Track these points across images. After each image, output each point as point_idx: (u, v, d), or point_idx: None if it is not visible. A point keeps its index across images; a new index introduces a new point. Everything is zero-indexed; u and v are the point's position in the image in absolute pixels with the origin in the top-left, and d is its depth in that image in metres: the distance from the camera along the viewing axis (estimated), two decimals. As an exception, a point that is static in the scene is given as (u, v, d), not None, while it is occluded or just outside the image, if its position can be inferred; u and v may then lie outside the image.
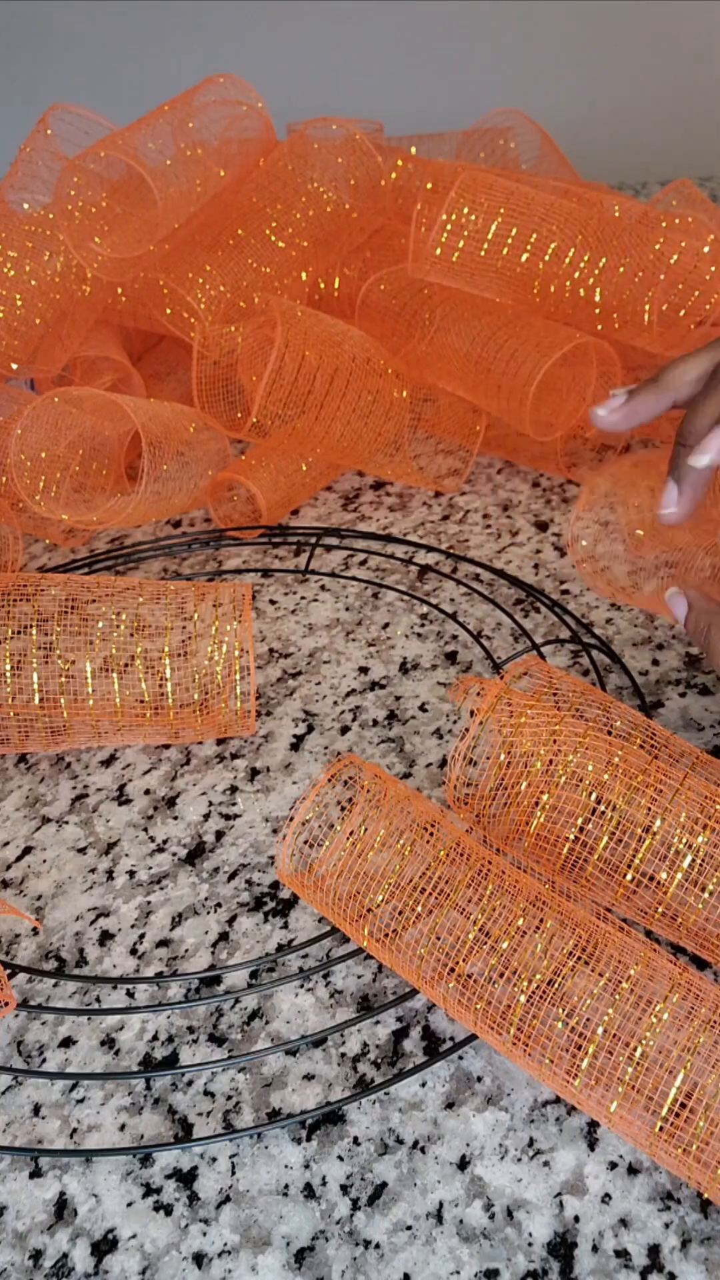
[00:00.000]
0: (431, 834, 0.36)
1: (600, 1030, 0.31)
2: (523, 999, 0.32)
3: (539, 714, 0.39)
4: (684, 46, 1.45)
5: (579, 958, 0.33)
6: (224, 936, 0.42)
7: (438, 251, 0.63)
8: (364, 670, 0.54)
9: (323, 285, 0.78)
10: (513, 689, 0.40)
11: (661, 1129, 0.30)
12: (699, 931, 0.36)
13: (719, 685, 0.51)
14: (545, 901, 0.34)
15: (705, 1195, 0.31)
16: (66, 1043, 0.38)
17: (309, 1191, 0.33)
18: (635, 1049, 0.31)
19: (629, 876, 0.36)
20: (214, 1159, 0.35)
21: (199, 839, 0.46)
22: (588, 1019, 0.31)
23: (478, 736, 0.39)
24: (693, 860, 0.35)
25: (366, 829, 0.36)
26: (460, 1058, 0.36)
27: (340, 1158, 0.34)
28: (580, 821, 0.37)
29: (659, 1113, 0.30)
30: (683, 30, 1.44)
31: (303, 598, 0.60)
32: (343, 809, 0.38)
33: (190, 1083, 0.37)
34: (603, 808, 0.37)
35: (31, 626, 0.47)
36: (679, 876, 0.35)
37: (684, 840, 0.35)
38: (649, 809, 0.36)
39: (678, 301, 0.65)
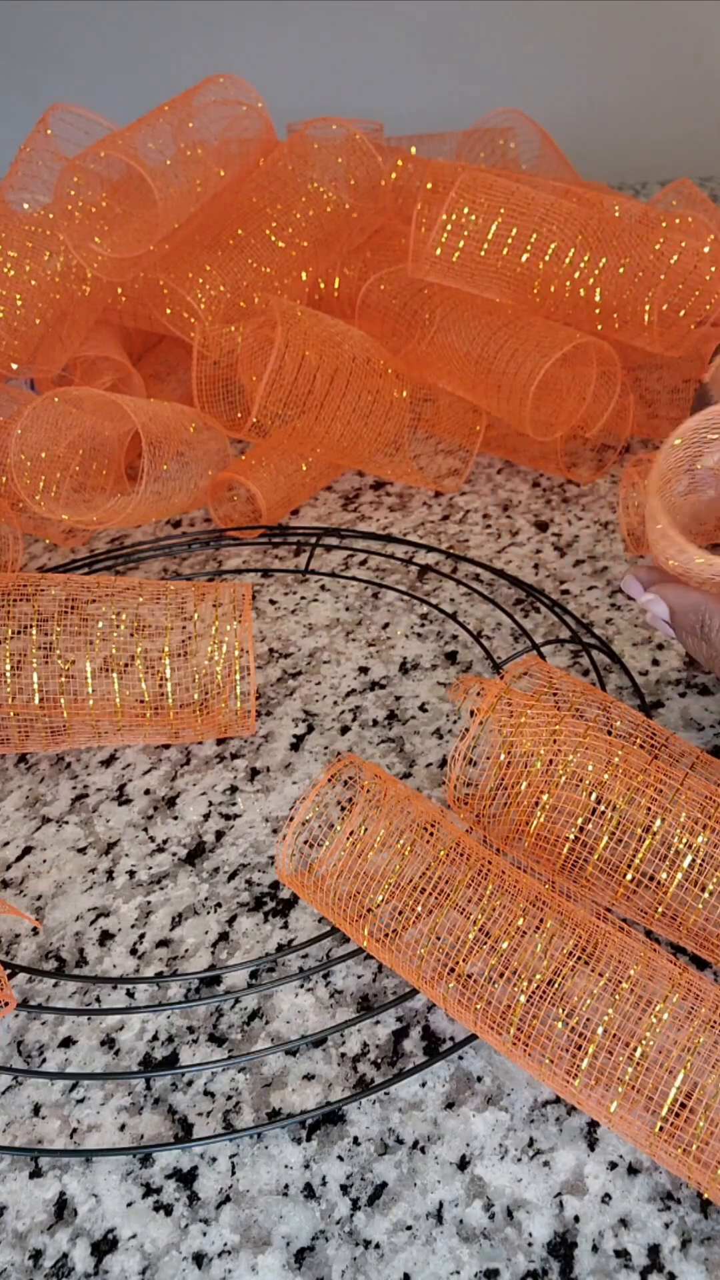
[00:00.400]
0: (431, 834, 0.36)
1: (600, 1030, 0.31)
2: (523, 999, 0.32)
3: (539, 714, 0.39)
4: (684, 46, 1.45)
5: (579, 958, 0.33)
6: (224, 936, 0.42)
7: (438, 251, 0.63)
8: (364, 670, 0.54)
9: (323, 285, 0.78)
10: (513, 689, 0.40)
11: (661, 1129, 0.30)
12: (699, 931, 0.36)
13: (719, 685, 0.51)
14: (545, 901, 0.34)
15: (705, 1195, 0.31)
16: (66, 1043, 0.38)
17: (309, 1191, 0.33)
18: (635, 1049, 0.31)
19: (629, 876, 0.36)
20: (214, 1159, 0.35)
21: (199, 839, 0.46)
22: (588, 1019, 0.31)
23: (478, 736, 0.39)
24: (693, 860, 0.35)
25: (366, 829, 0.36)
26: (460, 1058, 0.36)
27: (340, 1158, 0.34)
28: (580, 821, 0.37)
29: (659, 1113, 0.30)
30: (683, 30, 1.43)
31: (303, 598, 0.60)
32: (343, 809, 0.38)
33: (190, 1083, 0.37)
34: (603, 808, 0.37)
35: (31, 626, 0.47)
36: (679, 876, 0.35)
37: (684, 840, 0.35)
38: (649, 809, 0.36)
39: (678, 301, 0.65)
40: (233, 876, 0.44)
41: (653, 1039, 0.31)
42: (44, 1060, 0.38)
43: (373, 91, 1.49)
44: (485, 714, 0.39)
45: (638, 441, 0.71)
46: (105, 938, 0.42)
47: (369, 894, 0.36)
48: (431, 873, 0.35)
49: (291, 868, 0.37)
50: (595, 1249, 0.31)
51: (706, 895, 0.35)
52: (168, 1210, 0.33)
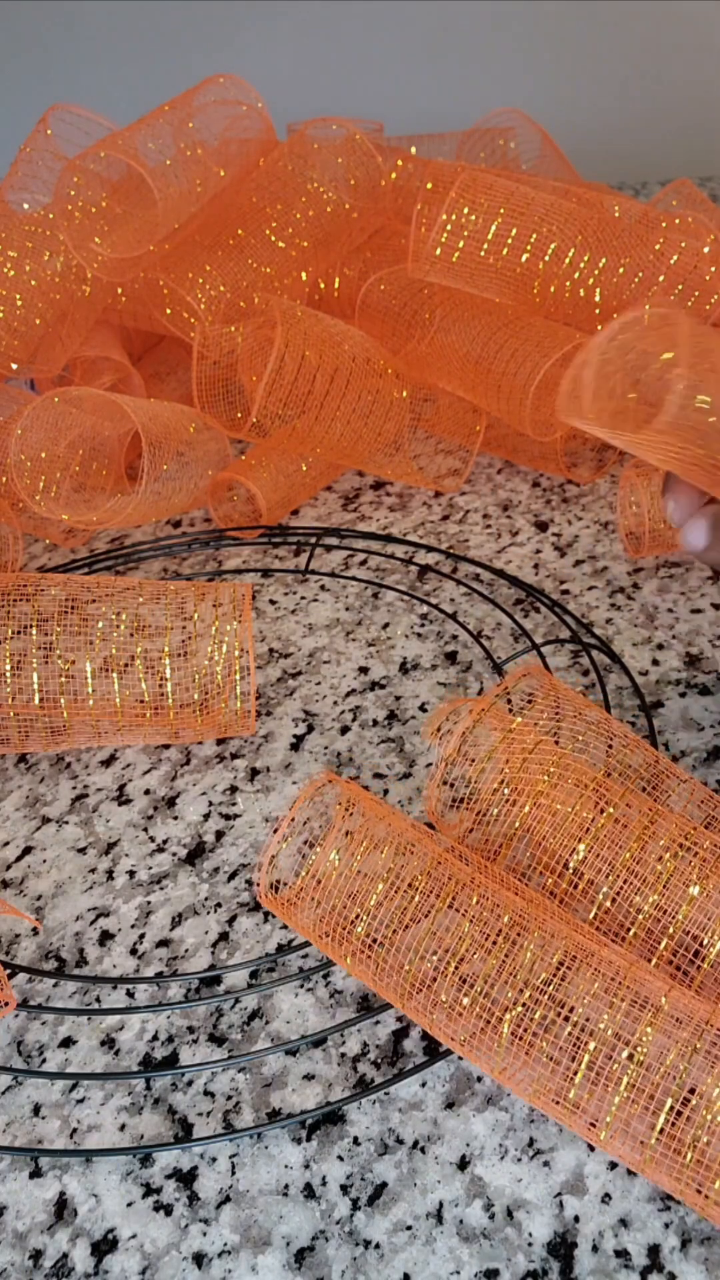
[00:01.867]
0: (410, 854, 0.36)
1: (585, 1062, 0.31)
2: (506, 1030, 0.32)
3: (522, 736, 0.38)
4: (684, 46, 1.45)
5: (556, 985, 0.32)
6: (224, 936, 0.42)
7: (438, 251, 0.63)
8: (364, 670, 0.54)
9: (323, 285, 0.78)
10: (499, 709, 0.40)
11: (651, 1157, 0.30)
12: (672, 957, 0.35)
13: (719, 685, 0.51)
14: (525, 926, 0.34)
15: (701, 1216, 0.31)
16: (66, 1043, 0.38)
17: (309, 1191, 0.33)
18: (620, 1080, 0.30)
19: (607, 902, 0.36)
20: (214, 1159, 0.35)
21: (199, 839, 0.46)
22: (573, 1054, 0.31)
23: (453, 765, 0.39)
24: (663, 899, 0.35)
25: (339, 856, 0.36)
26: (460, 1058, 0.36)
27: (340, 1158, 0.34)
28: (564, 849, 0.37)
29: (648, 1142, 0.30)
30: (683, 30, 1.43)
31: (303, 598, 0.60)
32: (327, 821, 0.37)
33: (190, 1083, 0.37)
34: (583, 851, 0.36)
35: (31, 626, 0.47)
36: (653, 899, 0.35)
37: (661, 866, 0.35)
38: (634, 845, 0.36)
39: (678, 301, 0.65)
40: (233, 876, 0.44)
41: (636, 1070, 0.30)
42: (44, 1060, 0.38)
43: (373, 91, 1.50)
44: (451, 755, 0.38)
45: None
46: (105, 938, 0.42)
47: (348, 917, 0.35)
48: (407, 900, 0.35)
49: (270, 883, 0.37)
50: (595, 1249, 0.31)
51: (680, 918, 0.35)
52: (168, 1210, 0.33)
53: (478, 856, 0.38)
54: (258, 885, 0.38)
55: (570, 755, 0.38)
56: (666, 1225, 0.32)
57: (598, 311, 0.65)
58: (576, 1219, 0.32)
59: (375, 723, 0.51)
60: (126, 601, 0.48)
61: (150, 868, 0.45)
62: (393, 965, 0.34)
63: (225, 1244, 0.32)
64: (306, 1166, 0.34)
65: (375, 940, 0.35)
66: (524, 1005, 0.32)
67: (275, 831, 0.37)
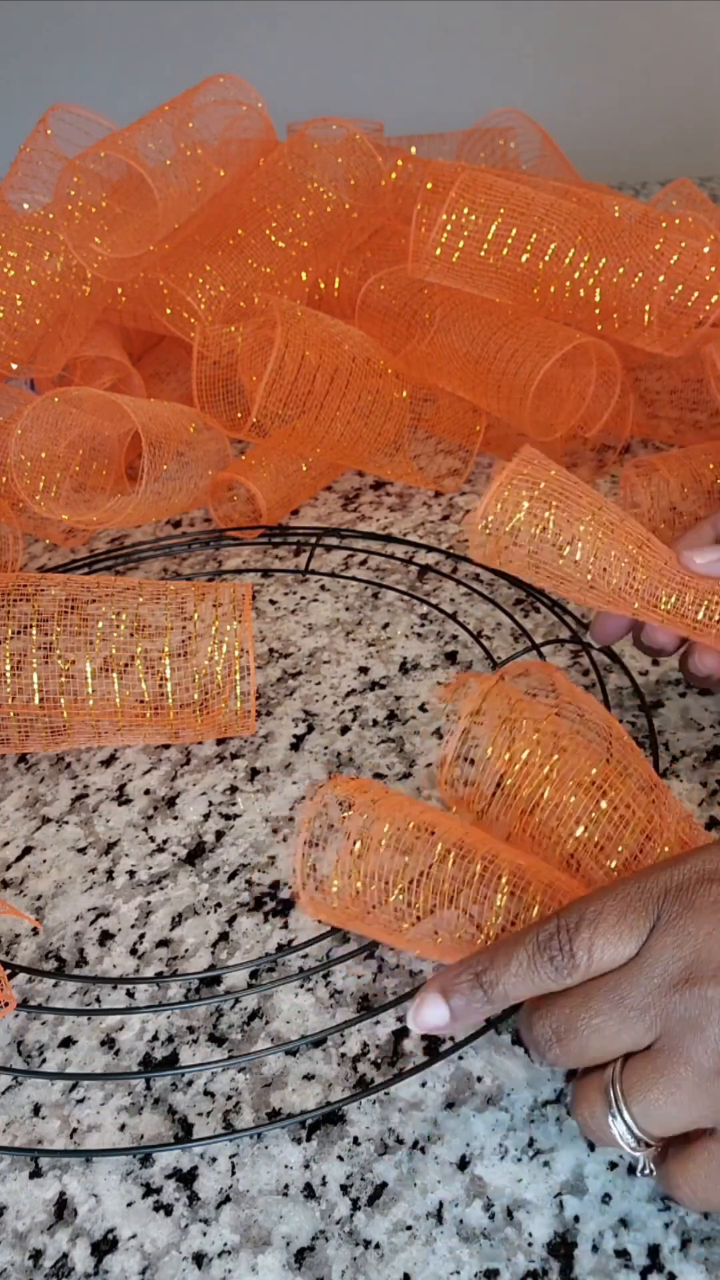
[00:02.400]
0: (433, 833, 0.36)
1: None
2: None
3: (535, 710, 0.39)
4: (684, 46, 1.45)
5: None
6: (224, 936, 0.42)
7: (438, 251, 0.63)
8: (364, 670, 0.54)
9: (323, 285, 0.78)
10: (508, 686, 0.40)
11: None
12: None
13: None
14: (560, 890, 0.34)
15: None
16: (66, 1043, 0.38)
17: (309, 1191, 0.33)
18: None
19: (613, 863, 0.36)
20: (214, 1159, 0.35)
21: (199, 839, 0.46)
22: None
23: (467, 732, 0.39)
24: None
25: (362, 846, 0.36)
26: (460, 1058, 0.36)
27: (340, 1158, 0.34)
28: (578, 822, 0.37)
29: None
30: (683, 30, 1.43)
31: (303, 598, 0.60)
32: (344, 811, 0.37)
33: (190, 1083, 0.37)
34: (596, 813, 0.36)
35: (31, 626, 0.47)
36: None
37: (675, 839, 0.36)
38: (631, 842, 0.36)
39: (678, 301, 0.65)
40: (233, 876, 0.44)
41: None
42: (44, 1060, 0.38)
43: (373, 91, 1.49)
44: (468, 716, 0.38)
45: (638, 441, 0.71)
46: (105, 938, 0.42)
47: (392, 893, 0.35)
48: (441, 871, 0.35)
49: (304, 884, 0.37)
50: (595, 1249, 0.31)
51: None
52: (168, 1210, 0.33)
53: (495, 835, 0.38)
54: (295, 893, 0.37)
55: (581, 746, 0.38)
56: (666, 1225, 0.32)
57: (597, 311, 0.65)
58: (576, 1219, 0.32)
59: (375, 723, 0.51)
60: (126, 601, 0.48)
61: (150, 868, 0.45)
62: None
63: (225, 1244, 0.32)
64: (306, 1166, 0.34)
65: (411, 905, 0.35)
66: None
67: (297, 852, 0.37)
